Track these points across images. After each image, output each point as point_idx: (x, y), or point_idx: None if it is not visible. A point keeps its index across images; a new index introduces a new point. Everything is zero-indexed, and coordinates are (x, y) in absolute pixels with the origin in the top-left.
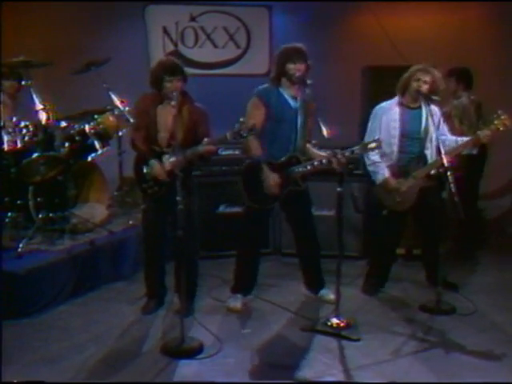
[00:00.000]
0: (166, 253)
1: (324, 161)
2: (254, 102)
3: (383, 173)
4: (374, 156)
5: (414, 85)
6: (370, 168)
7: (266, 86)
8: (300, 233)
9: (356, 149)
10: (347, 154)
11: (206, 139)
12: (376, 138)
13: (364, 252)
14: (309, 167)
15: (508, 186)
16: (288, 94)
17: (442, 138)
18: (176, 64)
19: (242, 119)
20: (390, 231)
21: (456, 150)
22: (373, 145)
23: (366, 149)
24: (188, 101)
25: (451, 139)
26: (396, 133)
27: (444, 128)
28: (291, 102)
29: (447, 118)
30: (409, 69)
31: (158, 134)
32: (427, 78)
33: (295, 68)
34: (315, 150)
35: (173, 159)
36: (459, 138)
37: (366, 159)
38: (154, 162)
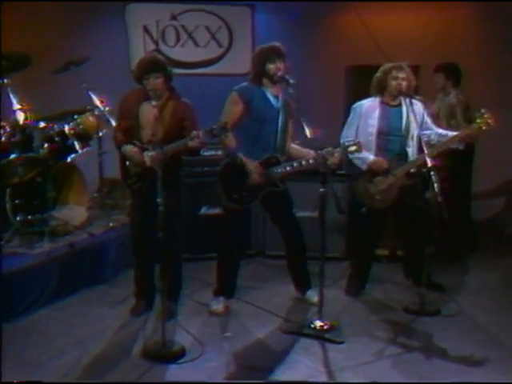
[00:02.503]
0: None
1: (303, 162)
2: (233, 97)
3: (368, 156)
4: None
5: (393, 83)
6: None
7: (246, 83)
8: (284, 233)
9: (336, 150)
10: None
11: (194, 132)
12: (356, 140)
13: (347, 253)
14: (288, 168)
15: (499, 187)
16: (270, 93)
17: (427, 133)
18: (154, 61)
19: (224, 119)
20: (368, 230)
21: (440, 148)
22: (353, 148)
23: (345, 151)
24: (174, 97)
25: (435, 133)
26: (373, 131)
27: (428, 122)
28: (273, 101)
29: (434, 116)
30: (380, 68)
31: (140, 131)
32: (403, 75)
33: (276, 67)
34: (300, 150)
35: (151, 153)
36: (444, 132)
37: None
38: (127, 146)
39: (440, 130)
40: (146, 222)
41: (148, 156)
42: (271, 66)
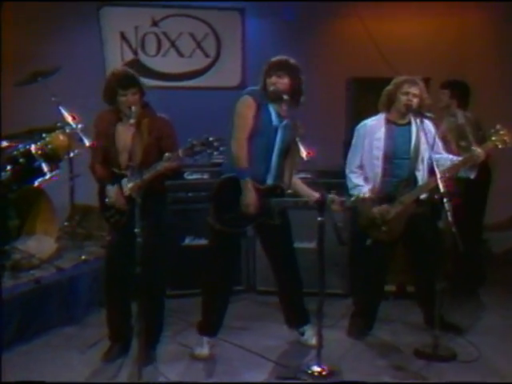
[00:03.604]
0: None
1: (311, 203)
2: (247, 100)
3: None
4: (357, 179)
5: (403, 99)
6: (353, 192)
7: (255, 88)
8: (278, 266)
9: (349, 201)
10: (348, 203)
11: (166, 154)
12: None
13: (350, 289)
14: (290, 203)
15: None
16: (274, 109)
17: (436, 157)
18: (130, 75)
19: (211, 139)
20: (375, 264)
21: (449, 171)
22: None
23: (360, 202)
24: (148, 113)
25: (446, 158)
26: (379, 154)
27: (438, 145)
28: (274, 118)
29: (444, 138)
30: (391, 81)
31: (118, 156)
32: (416, 91)
33: (271, 82)
34: (304, 187)
35: (131, 184)
36: (454, 157)
37: (348, 182)
38: (109, 189)
39: (451, 156)
40: (124, 257)
41: (127, 187)
42: (268, 81)
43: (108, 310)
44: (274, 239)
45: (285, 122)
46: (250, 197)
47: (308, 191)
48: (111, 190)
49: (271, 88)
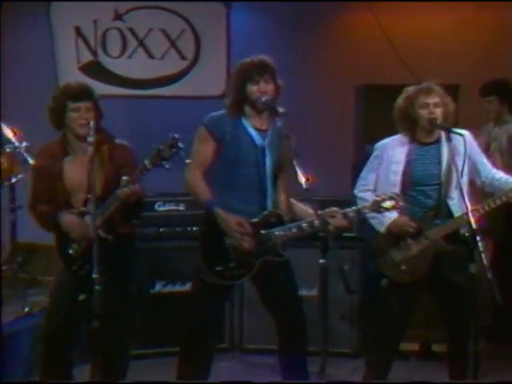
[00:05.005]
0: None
1: (316, 222)
2: (200, 133)
3: (389, 215)
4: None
5: (423, 113)
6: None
7: (220, 113)
8: (281, 321)
9: (364, 208)
10: (351, 214)
11: (124, 178)
12: (394, 193)
13: (359, 348)
14: (294, 230)
15: None
16: (252, 126)
17: (489, 178)
18: (85, 87)
19: (171, 135)
20: (393, 312)
21: (499, 200)
22: (388, 204)
23: (378, 208)
24: (106, 139)
25: (501, 180)
26: (397, 179)
27: (488, 165)
28: (256, 137)
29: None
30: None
31: (70, 197)
32: (435, 99)
33: (259, 90)
34: (303, 206)
35: (99, 219)
36: (504, 177)
37: (360, 204)
38: (63, 219)
39: (495, 172)
40: (73, 307)
41: (96, 224)
42: (253, 89)
43: (45, 372)
44: (277, 284)
45: (271, 138)
46: (229, 223)
47: (309, 212)
48: (65, 218)
49: (263, 98)
